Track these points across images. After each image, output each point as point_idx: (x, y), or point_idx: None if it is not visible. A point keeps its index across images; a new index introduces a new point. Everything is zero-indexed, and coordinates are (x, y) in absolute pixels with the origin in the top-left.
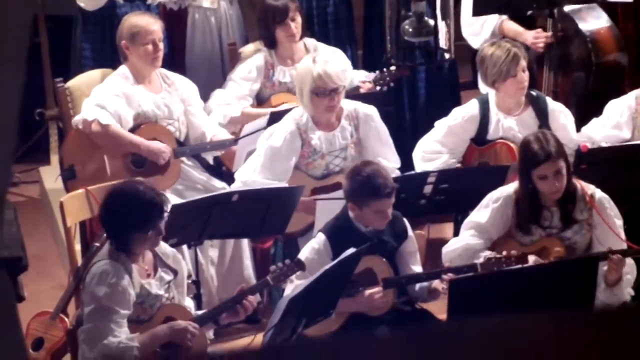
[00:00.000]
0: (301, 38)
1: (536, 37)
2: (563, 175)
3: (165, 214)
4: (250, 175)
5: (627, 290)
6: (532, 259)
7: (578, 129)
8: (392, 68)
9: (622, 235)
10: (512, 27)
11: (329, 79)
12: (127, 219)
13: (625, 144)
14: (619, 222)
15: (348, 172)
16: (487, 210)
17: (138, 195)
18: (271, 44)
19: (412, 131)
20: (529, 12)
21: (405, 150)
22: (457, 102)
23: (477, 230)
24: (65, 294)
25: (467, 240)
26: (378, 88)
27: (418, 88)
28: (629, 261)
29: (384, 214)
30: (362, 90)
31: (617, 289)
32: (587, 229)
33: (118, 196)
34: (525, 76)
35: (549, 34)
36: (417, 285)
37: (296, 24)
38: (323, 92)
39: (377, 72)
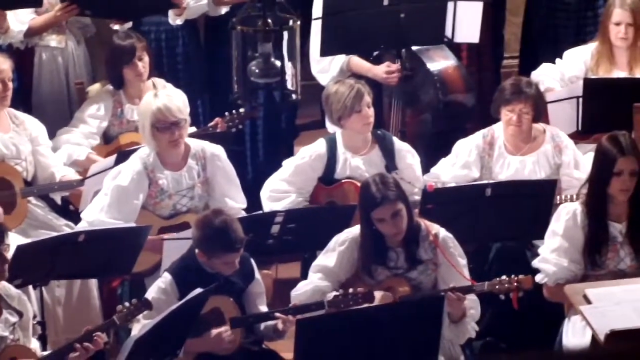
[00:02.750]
0: (149, 77)
1: (388, 72)
2: (402, 217)
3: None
4: (97, 215)
5: (471, 326)
6: (378, 295)
7: (427, 169)
8: (242, 110)
9: (466, 273)
10: (361, 63)
11: (169, 112)
12: None
13: (470, 183)
14: (462, 261)
15: (198, 220)
16: (334, 253)
17: None
18: (119, 83)
19: (253, 171)
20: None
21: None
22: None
23: (325, 274)
24: None
25: (315, 283)
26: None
27: (257, 126)
28: (472, 297)
29: (232, 264)
30: (218, 129)
31: (461, 325)
32: (433, 269)
33: None
34: (370, 112)
35: (399, 66)
36: (263, 325)
37: (144, 64)
38: (164, 126)
39: (227, 113)
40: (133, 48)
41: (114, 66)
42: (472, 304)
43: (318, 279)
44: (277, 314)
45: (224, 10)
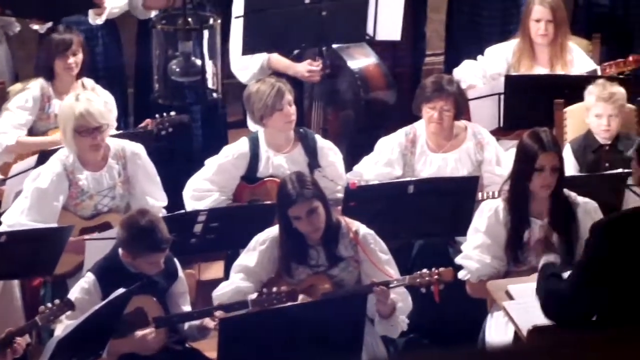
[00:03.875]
0: (80, 76)
1: (310, 69)
2: (319, 214)
3: None
4: (17, 218)
5: (401, 319)
6: (302, 296)
7: (349, 166)
8: (172, 113)
9: (390, 270)
10: (282, 60)
11: (91, 117)
12: None
13: (393, 181)
14: (384, 257)
15: (123, 220)
16: (254, 252)
17: None
18: (49, 75)
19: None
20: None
21: (176, 189)
22: (226, 141)
23: (246, 274)
24: None
25: (236, 283)
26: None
27: (191, 128)
28: (400, 290)
29: (157, 264)
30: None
31: (392, 320)
32: (355, 266)
33: None
34: (292, 110)
35: (320, 63)
36: (187, 324)
37: (76, 59)
38: (86, 131)
39: (158, 116)
40: (69, 41)
41: (47, 56)
42: (400, 297)
43: (239, 279)
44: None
45: (153, 13)
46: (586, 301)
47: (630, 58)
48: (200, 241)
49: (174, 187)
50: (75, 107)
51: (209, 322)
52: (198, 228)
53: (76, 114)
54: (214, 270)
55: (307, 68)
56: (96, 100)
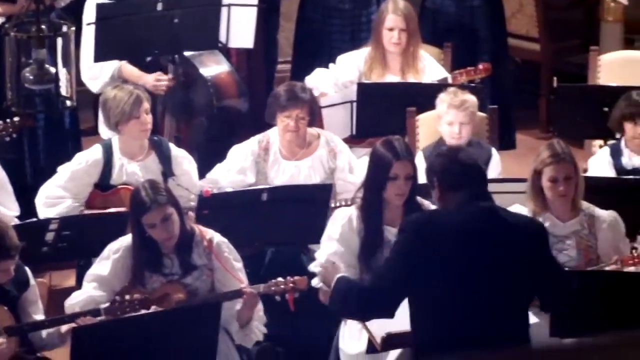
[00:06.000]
0: None
1: (157, 80)
2: (173, 221)
3: None
4: None
5: (259, 329)
6: (153, 306)
7: (203, 174)
8: (16, 118)
9: (242, 277)
10: (132, 70)
11: None
12: None
13: (247, 188)
14: (237, 264)
15: None
16: (107, 261)
17: None
18: None
19: (34, 179)
20: (150, 58)
21: (26, 198)
22: (79, 149)
23: (99, 283)
24: None
25: (89, 292)
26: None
27: (38, 135)
28: (259, 305)
29: (7, 272)
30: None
31: (248, 329)
32: (208, 274)
33: None
34: (148, 118)
35: (170, 76)
36: (45, 332)
37: None
38: None
39: (1, 122)
40: None
41: None
42: (259, 306)
43: (92, 288)
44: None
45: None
46: (392, 294)
47: (480, 66)
48: (52, 250)
49: (25, 196)
50: None
51: (64, 330)
52: (50, 236)
53: None
54: (67, 278)
55: (155, 78)
56: None
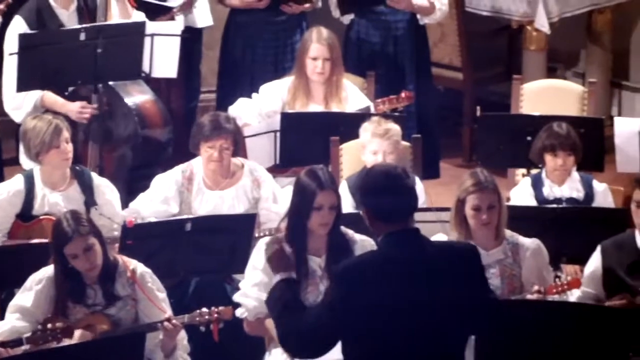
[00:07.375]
0: None
1: (82, 108)
2: (95, 252)
3: None
4: None
5: (184, 357)
6: (77, 333)
7: (126, 204)
8: None
9: (166, 307)
10: (55, 99)
11: None
12: None
13: (170, 218)
14: (161, 295)
15: None
16: (30, 292)
17: None
18: None
19: None
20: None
21: None
22: (1, 179)
23: (22, 314)
24: None
25: (12, 323)
26: None
27: None
28: (183, 334)
29: None
30: None
31: (172, 359)
32: (132, 304)
33: None
34: (69, 147)
35: (95, 105)
36: None
37: None
38: None
39: None
40: None
41: None
42: (182, 335)
43: (15, 319)
44: None
45: None
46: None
47: (403, 94)
48: None
49: None
50: None
51: None
52: None
53: None
54: None
55: (78, 108)
56: None
